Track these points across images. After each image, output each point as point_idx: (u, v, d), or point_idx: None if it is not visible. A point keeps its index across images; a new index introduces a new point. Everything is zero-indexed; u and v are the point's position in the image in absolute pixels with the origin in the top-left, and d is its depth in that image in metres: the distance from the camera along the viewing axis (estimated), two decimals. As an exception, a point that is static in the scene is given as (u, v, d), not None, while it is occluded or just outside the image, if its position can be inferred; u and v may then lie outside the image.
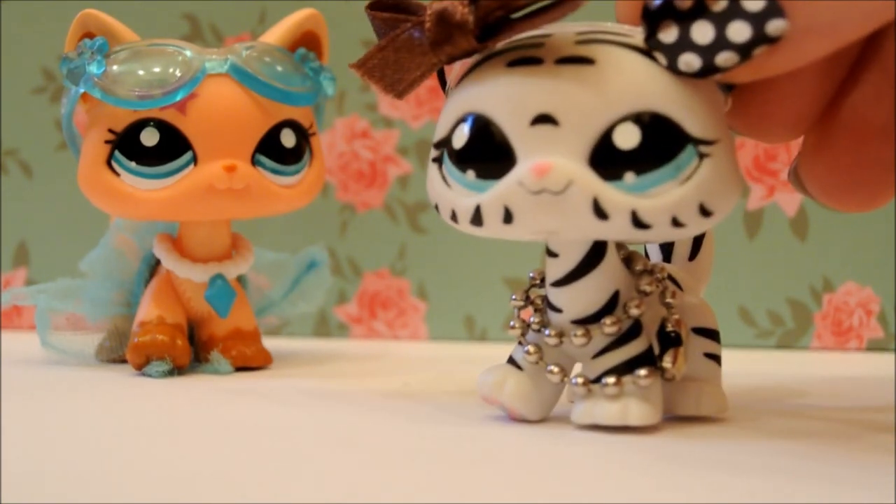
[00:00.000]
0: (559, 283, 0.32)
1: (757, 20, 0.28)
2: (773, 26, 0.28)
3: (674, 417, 0.33)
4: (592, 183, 0.29)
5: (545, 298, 0.33)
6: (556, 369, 0.32)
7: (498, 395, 0.32)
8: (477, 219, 0.31)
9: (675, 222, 0.29)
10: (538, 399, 0.32)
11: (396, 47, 0.31)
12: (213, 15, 0.57)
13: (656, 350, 0.32)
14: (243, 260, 0.44)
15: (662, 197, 0.29)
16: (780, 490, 0.26)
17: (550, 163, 0.29)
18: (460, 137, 0.31)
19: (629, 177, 0.29)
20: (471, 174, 0.31)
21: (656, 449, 0.30)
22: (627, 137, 0.29)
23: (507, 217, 0.30)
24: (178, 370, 0.42)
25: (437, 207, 0.32)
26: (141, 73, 0.41)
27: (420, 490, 0.26)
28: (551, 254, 0.32)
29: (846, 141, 0.31)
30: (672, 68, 0.29)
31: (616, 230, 0.30)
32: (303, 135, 0.44)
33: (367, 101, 0.56)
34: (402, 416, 0.34)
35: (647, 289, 0.32)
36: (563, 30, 0.31)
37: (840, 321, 0.52)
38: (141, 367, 0.42)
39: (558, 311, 0.32)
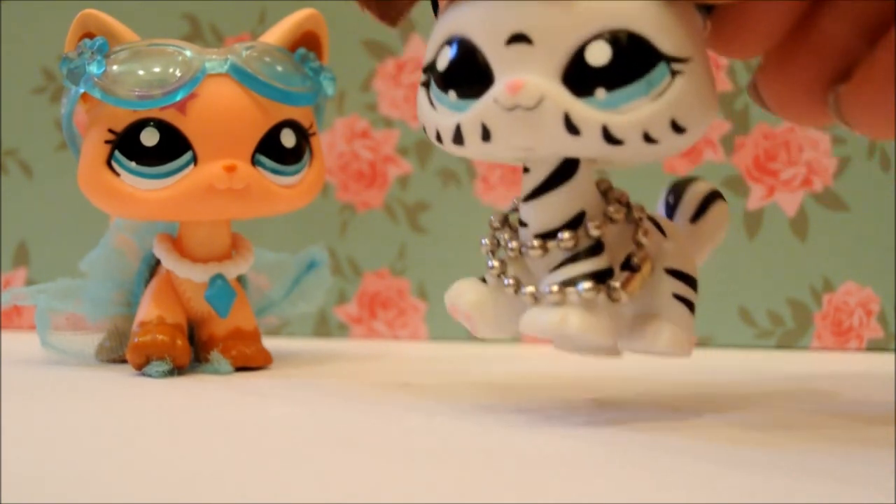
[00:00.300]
0: (528, 198, 0.32)
1: None
2: None
3: (670, 410, 0.34)
4: (564, 99, 0.30)
5: (514, 230, 0.33)
6: (511, 281, 0.32)
7: (458, 301, 0.33)
8: (458, 137, 0.32)
9: (647, 137, 0.30)
10: (494, 312, 0.33)
11: None
12: (213, 15, 0.57)
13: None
14: (243, 260, 0.44)
15: (634, 112, 0.30)
16: (781, 489, 0.26)
17: (522, 80, 0.30)
18: (443, 60, 0.32)
19: (600, 93, 0.30)
20: (452, 95, 0.32)
21: (654, 445, 0.30)
22: (599, 54, 0.30)
23: (486, 134, 0.31)
24: (178, 370, 0.42)
25: (424, 130, 0.33)
26: (141, 73, 0.41)
27: (420, 490, 0.26)
28: (525, 170, 0.33)
29: (807, 57, 0.31)
30: None
31: (588, 146, 0.30)
32: (303, 135, 0.44)
33: (367, 101, 0.56)
34: (401, 416, 0.34)
35: (615, 216, 0.32)
36: None
37: (840, 321, 0.52)
38: (141, 367, 0.42)
39: (525, 225, 0.33)
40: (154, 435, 0.32)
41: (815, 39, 0.31)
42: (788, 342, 0.52)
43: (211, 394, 0.39)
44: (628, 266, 0.32)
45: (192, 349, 0.44)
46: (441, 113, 0.32)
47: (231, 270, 0.44)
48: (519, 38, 0.30)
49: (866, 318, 0.51)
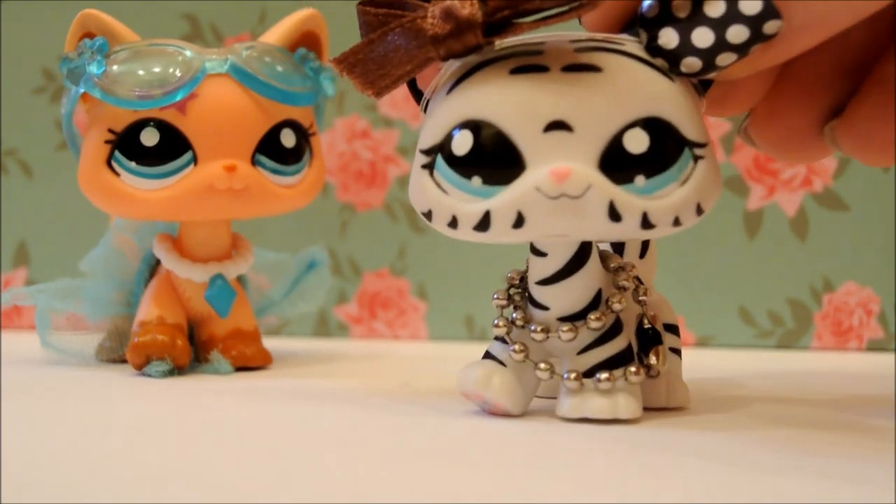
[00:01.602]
0: (546, 282, 0.33)
1: (754, 22, 0.29)
2: (770, 26, 0.29)
3: (670, 410, 0.34)
4: (608, 187, 0.30)
5: (525, 296, 0.33)
6: (544, 366, 0.33)
7: (484, 391, 0.33)
8: (484, 224, 0.31)
9: (676, 222, 0.31)
10: (522, 394, 0.33)
11: (387, 41, 0.31)
12: (213, 15, 0.57)
13: (635, 347, 0.33)
14: (243, 260, 0.44)
15: (668, 198, 0.30)
16: (781, 489, 0.26)
17: (569, 167, 0.30)
18: (463, 144, 0.31)
19: (640, 180, 0.30)
20: (476, 180, 0.31)
21: (654, 445, 0.30)
22: (638, 142, 0.30)
23: (519, 222, 0.30)
24: (178, 370, 0.42)
25: (427, 214, 0.32)
26: (141, 73, 0.41)
27: (420, 490, 0.26)
28: (539, 253, 0.33)
29: (794, 103, 0.33)
30: (674, 71, 0.31)
31: (625, 231, 0.30)
32: (303, 135, 0.44)
33: (367, 101, 0.56)
34: (402, 416, 0.34)
35: (625, 284, 0.33)
36: (553, 39, 0.31)
37: (840, 321, 0.52)
38: (141, 367, 0.42)
39: (544, 308, 0.33)
40: (154, 435, 0.32)
41: (799, 87, 0.33)
42: (788, 342, 0.52)
43: (211, 394, 0.39)
44: (642, 331, 0.33)
45: (192, 349, 0.44)
46: (457, 198, 0.31)
47: (231, 270, 0.44)
48: (558, 126, 0.30)
49: (866, 318, 0.51)
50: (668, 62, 0.30)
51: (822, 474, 0.27)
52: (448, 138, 0.31)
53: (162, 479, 0.27)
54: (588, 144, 0.30)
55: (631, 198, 0.30)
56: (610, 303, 0.33)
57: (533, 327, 0.33)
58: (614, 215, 0.30)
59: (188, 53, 0.42)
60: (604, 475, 0.28)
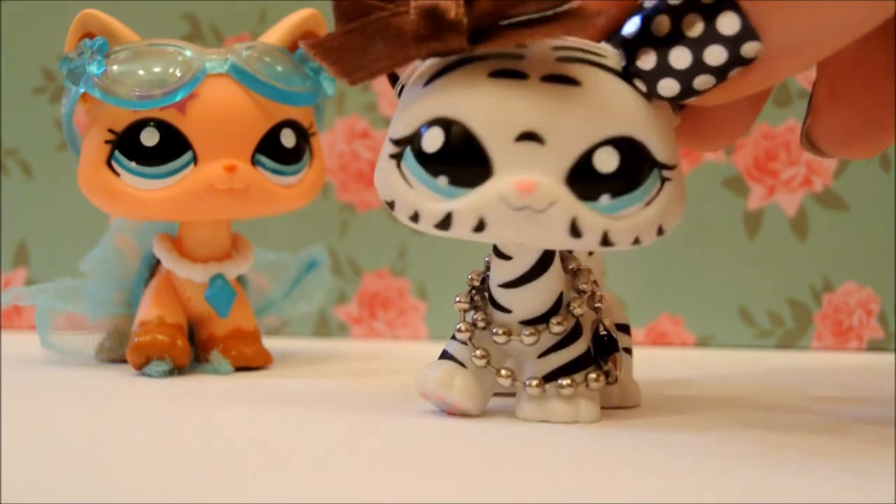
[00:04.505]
0: (510, 285, 0.33)
1: (732, 43, 0.29)
2: (748, 48, 0.29)
3: (669, 410, 0.34)
4: (572, 204, 0.30)
5: (486, 298, 0.33)
6: (505, 373, 0.33)
7: (445, 392, 0.33)
8: (445, 224, 0.31)
9: (636, 241, 0.31)
10: (481, 395, 0.33)
11: (367, 33, 0.30)
12: (213, 15, 0.57)
13: (592, 351, 0.33)
14: (243, 260, 0.44)
15: (630, 219, 0.30)
16: (781, 489, 0.26)
17: (536, 181, 0.30)
18: (433, 142, 0.30)
19: (605, 199, 0.30)
20: (443, 180, 0.30)
21: (654, 445, 0.30)
22: (608, 161, 0.30)
23: (480, 227, 0.30)
24: (178, 370, 0.42)
25: (391, 204, 0.32)
26: (141, 73, 0.41)
27: (420, 490, 0.26)
28: (503, 256, 0.32)
29: (853, 92, 0.32)
30: (651, 93, 0.30)
31: (584, 245, 0.31)
32: (303, 135, 0.44)
33: (367, 101, 0.56)
34: (402, 416, 0.34)
35: (585, 287, 0.33)
36: (537, 44, 0.31)
37: (840, 321, 0.52)
38: (141, 367, 0.42)
39: (507, 311, 0.33)
40: (154, 435, 0.32)
41: (866, 71, 0.32)
42: (788, 342, 0.52)
43: (211, 394, 0.39)
44: (598, 337, 0.33)
45: (192, 349, 0.44)
46: (422, 194, 0.31)
47: (231, 270, 0.44)
48: (530, 136, 0.30)
49: (866, 318, 0.51)
50: (647, 85, 0.30)
51: (822, 474, 0.27)
52: (419, 133, 0.31)
53: (162, 480, 0.27)
54: (558, 158, 0.30)
55: (594, 216, 0.30)
56: (571, 307, 0.33)
57: (495, 330, 0.33)
58: (575, 232, 0.30)
59: (188, 53, 0.42)
60: (603, 475, 0.28)
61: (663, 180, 0.30)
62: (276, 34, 0.45)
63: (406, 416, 0.34)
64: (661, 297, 0.53)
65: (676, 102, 0.31)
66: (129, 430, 0.33)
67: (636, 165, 0.30)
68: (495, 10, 0.29)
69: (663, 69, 0.30)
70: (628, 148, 0.30)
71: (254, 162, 0.43)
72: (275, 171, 0.43)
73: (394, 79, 0.33)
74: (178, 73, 0.41)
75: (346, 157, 0.56)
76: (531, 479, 0.27)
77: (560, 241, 0.30)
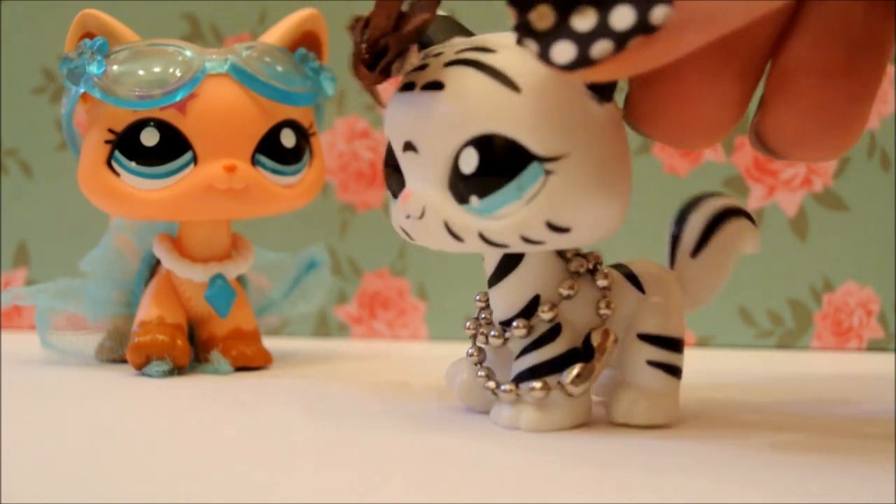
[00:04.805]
0: (489, 284, 0.33)
1: (641, 5, 0.26)
2: (657, 13, 0.26)
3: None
4: (443, 208, 0.30)
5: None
6: (483, 373, 0.33)
7: (451, 385, 0.34)
8: (403, 232, 0.32)
9: (526, 240, 0.30)
10: (483, 395, 0.33)
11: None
12: (213, 15, 0.57)
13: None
14: (243, 260, 0.44)
15: (509, 218, 0.30)
16: (781, 489, 0.26)
17: (410, 190, 0.31)
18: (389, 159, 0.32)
19: (474, 200, 0.30)
20: (390, 194, 0.33)
21: (653, 445, 0.30)
22: (468, 162, 0.30)
23: (407, 234, 0.32)
24: (178, 370, 0.42)
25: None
26: (141, 73, 0.41)
27: (420, 491, 0.26)
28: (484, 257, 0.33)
29: (806, 87, 0.30)
30: (543, 59, 0.27)
31: (476, 248, 0.31)
32: (303, 135, 0.44)
33: (367, 101, 0.56)
34: (402, 417, 0.34)
35: (568, 292, 0.32)
36: (448, 46, 0.31)
37: (840, 321, 0.52)
38: (141, 367, 0.42)
39: (492, 311, 0.33)
40: (154, 435, 0.32)
41: (809, 69, 0.30)
42: (788, 342, 0.52)
43: (211, 394, 0.39)
44: (587, 343, 0.32)
45: (192, 349, 0.44)
46: (395, 206, 0.33)
47: (231, 270, 0.44)
48: (409, 147, 0.31)
49: (866, 318, 0.51)
50: (539, 48, 0.27)
51: (822, 474, 0.27)
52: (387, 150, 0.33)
53: (162, 479, 0.27)
54: (433, 166, 0.30)
55: (466, 218, 0.30)
56: (542, 312, 0.32)
57: (493, 333, 0.33)
58: (453, 235, 0.31)
59: (188, 53, 0.42)
60: (602, 475, 0.28)
61: (547, 173, 0.29)
62: (276, 34, 0.45)
63: (406, 417, 0.34)
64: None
65: (571, 72, 0.27)
66: (129, 430, 0.33)
67: (500, 162, 0.30)
68: (383, 34, 0.30)
69: (561, 31, 0.27)
70: (489, 146, 0.30)
71: (254, 162, 0.43)
72: (275, 171, 0.43)
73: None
74: (178, 73, 0.41)
75: (346, 157, 0.56)
76: (531, 479, 0.27)
77: (447, 244, 0.31)
